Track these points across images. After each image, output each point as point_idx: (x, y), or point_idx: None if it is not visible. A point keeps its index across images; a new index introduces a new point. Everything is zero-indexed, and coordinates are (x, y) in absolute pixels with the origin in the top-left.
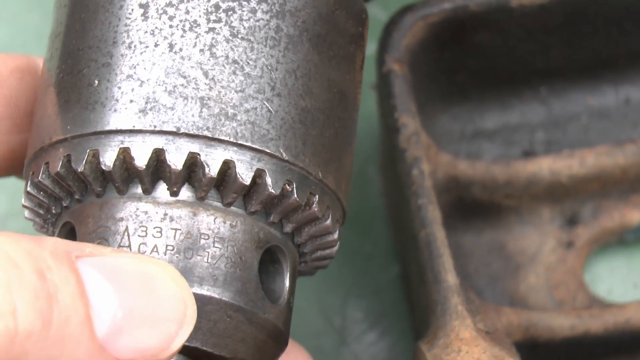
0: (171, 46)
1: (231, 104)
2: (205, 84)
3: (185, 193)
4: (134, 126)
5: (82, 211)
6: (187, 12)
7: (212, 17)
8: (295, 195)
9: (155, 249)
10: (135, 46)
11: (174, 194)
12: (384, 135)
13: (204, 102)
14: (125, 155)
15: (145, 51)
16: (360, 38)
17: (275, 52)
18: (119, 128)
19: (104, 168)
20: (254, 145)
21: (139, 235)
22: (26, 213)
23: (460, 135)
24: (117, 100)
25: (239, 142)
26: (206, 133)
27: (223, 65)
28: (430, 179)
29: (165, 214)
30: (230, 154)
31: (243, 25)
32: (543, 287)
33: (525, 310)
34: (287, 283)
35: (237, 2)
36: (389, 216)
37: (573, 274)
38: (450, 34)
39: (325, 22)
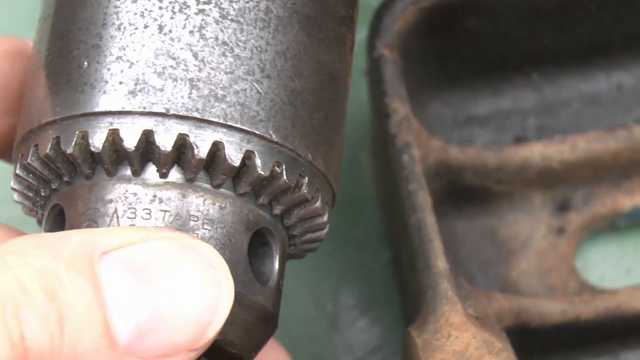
0: (161, 28)
1: (220, 86)
2: (194, 65)
3: (175, 175)
4: (123, 107)
5: (71, 193)
6: None
7: None
8: (285, 177)
9: None
10: (124, 28)
11: (163, 175)
12: (374, 121)
13: (194, 83)
14: (114, 137)
15: (134, 33)
16: (350, 20)
17: (265, 34)
18: (108, 109)
19: (93, 150)
20: (243, 127)
21: (128, 217)
22: (15, 196)
23: (452, 121)
24: (106, 81)
25: (229, 123)
26: (195, 114)
27: (212, 47)
28: (421, 165)
29: (155, 196)
30: (220, 135)
31: (233, 7)
32: (534, 273)
33: (516, 295)
34: (276, 265)
35: None
36: (380, 202)
37: (564, 260)
38: (442, 19)
39: (315, 4)
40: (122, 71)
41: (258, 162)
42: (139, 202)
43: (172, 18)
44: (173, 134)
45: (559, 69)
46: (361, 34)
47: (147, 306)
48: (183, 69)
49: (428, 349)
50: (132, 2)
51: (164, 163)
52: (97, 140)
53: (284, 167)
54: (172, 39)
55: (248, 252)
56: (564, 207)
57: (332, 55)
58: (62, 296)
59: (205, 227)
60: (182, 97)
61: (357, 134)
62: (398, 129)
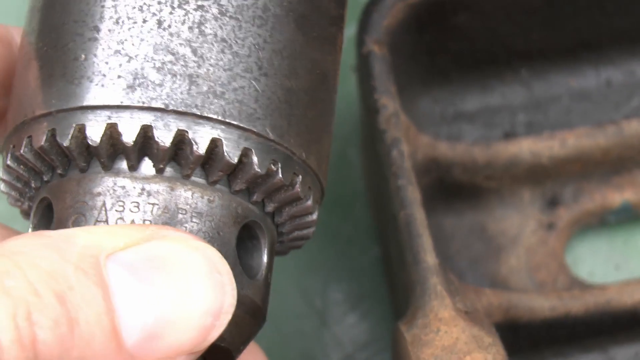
0: (160, 22)
1: (219, 82)
2: (193, 61)
3: (168, 169)
4: (121, 102)
5: (60, 187)
6: None
7: None
8: (280, 175)
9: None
10: (123, 22)
11: (160, 170)
12: (363, 117)
13: (193, 79)
14: (112, 131)
15: (133, 27)
16: (341, 20)
17: (263, 32)
18: (106, 103)
19: (90, 143)
20: (241, 124)
21: (116, 210)
22: (2, 186)
23: (441, 118)
24: (104, 75)
25: (227, 120)
26: (194, 111)
27: (212, 43)
28: (410, 160)
29: (143, 189)
30: (218, 132)
31: (231, 4)
32: (524, 269)
33: (505, 291)
34: (265, 259)
35: None
36: (370, 198)
37: (554, 256)
38: (431, 15)
39: (309, 3)
40: (120, 65)
41: (255, 159)
42: (128, 195)
43: (171, 13)
44: (172, 129)
45: (548, 65)
46: (350, 30)
47: (152, 310)
48: (182, 65)
49: (417, 344)
50: None
51: (162, 159)
52: (95, 133)
53: (279, 165)
54: (171, 34)
55: (237, 246)
56: (553, 203)
57: (324, 54)
58: (72, 300)
59: (194, 220)
60: (181, 92)
61: (346, 131)
62: (387, 125)
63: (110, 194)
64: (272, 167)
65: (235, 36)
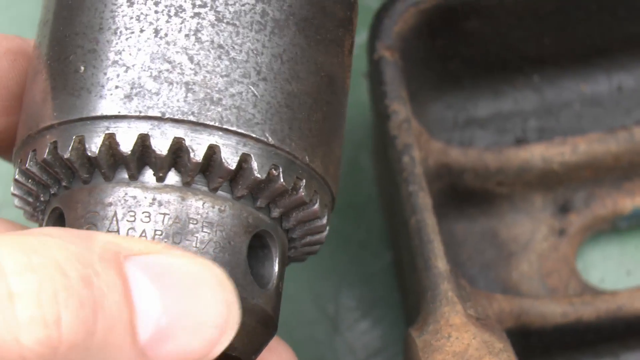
0: (157, 31)
1: (216, 89)
2: (190, 68)
3: (174, 178)
4: (119, 112)
5: (71, 197)
6: None
7: (198, 2)
8: (282, 180)
9: (143, 234)
10: (121, 32)
11: (160, 179)
12: (375, 123)
13: (189, 87)
14: (110, 141)
15: (130, 37)
16: (349, 22)
17: (261, 37)
18: (104, 114)
19: (89, 154)
20: (239, 130)
21: (127, 220)
22: (16, 201)
23: (453, 123)
24: (102, 86)
25: (225, 126)
26: (191, 118)
27: (208, 50)
28: (421, 166)
29: (154, 199)
30: (216, 138)
31: (228, 10)
32: (535, 275)
33: (517, 297)
34: (276, 268)
35: None
36: (382, 204)
37: (565, 262)
38: (442, 21)
39: (312, 6)
40: (118, 75)
41: (254, 165)
42: (139, 205)
43: (167, 22)
44: (169, 137)
45: (560, 71)
46: (362, 37)
47: (166, 312)
48: (179, 73)
49: (428, 350)
50: (128, 7)
51: (161, 167)
52: (94, 144)
53: (280, 170)
54: (167, 43)
55: (248, 255)
56: (564, 209)
57: (330, 57)
58: (97, 285)
59: (205, 230)
60: (178, 100)
61: (359, 137)
62: (398, 131)
63: (122, 204)
64: (273, 171)
65: (233, 42)
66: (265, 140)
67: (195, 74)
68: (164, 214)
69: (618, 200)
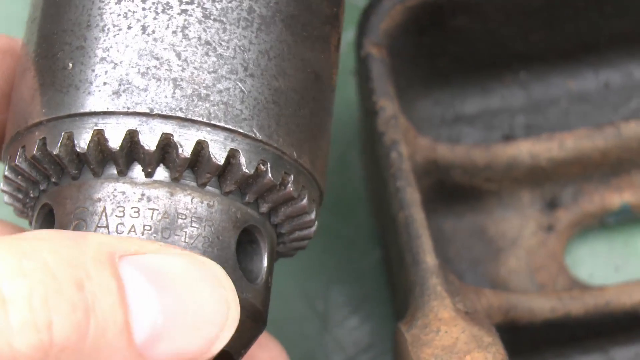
0: (144, 28)
1: (204, 85)
2: (178, 65)
3: (162, 173)
4: (107, 108)
5: (60, 193)
6: None
7: None
8: (270, 175)
9: (132, 229)
10: (108, 29)
11: (149, 175)
12: (363, 119)
13: (177, 83)
14: (99, 137)
15: (118, 34)
16: (335, 19)
17: (248, 33)
18: (92, 110)
19: (78, 150)
20: (227, 126)
21: (116, 216)
22: (5, 198)
23: (441, 120)
24: (90, 82)
25: (212, 122)
26: (179, 114)
27: (196, 47)
28: (409, 162)
29: (143, 194)
30: (204, 134)
31: (215, 7)
32: (524, 271)
33: (505, 292)
34: (265, 263)
35: None
36: (371, 200)
37: (554, 258)
38: (429, 17)
39: (298, 3)
40: (106, 72)
41: (242, 160)
42: (127, 200)
43: (155, 19)
44: (157, 133)
45: (547, 67)
46: (350, 34)
47: (163, 311)
48: (166, 69)
49: (417, 344)
50: (116, 4)
51: (149, 162)
52: (83, 140)
53: (268, 165)
54: (155, 40)
55: (236, 250)
56: (552, 205)
57: (317, 53)
58: (89, 288)
59: (194, 225)
60: (166, 96)
61: (347, 134)
62: (386, 127)
63: (111, 200)
64: (261, 167)
65: (220, 38)
66: (253, 135)
67: (183, 70)
68: (153, 210)
69: (606, 196)
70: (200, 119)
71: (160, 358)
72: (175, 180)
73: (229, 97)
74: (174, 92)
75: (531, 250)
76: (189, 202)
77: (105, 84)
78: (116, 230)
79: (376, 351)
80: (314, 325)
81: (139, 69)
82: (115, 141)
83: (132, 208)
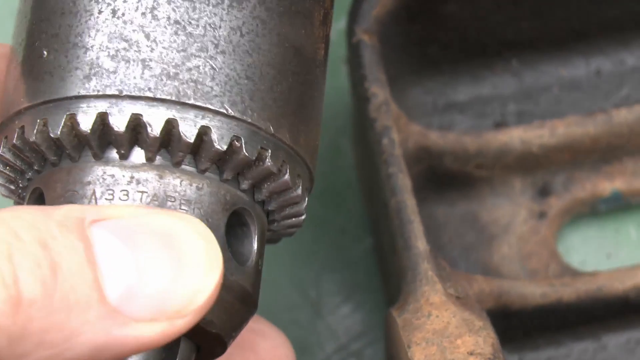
0: (114, 12)
1: (173, 64)
2: (146, 46)
3: (127, 154)
4: (79, 92)
5: (50, 177)
6: None
7: None
8: (245, 151)
9: None
10: (81, 15)
11: (122, 156)
12: (354, 106)
13: (146, 63)
14: (72, 122)
15: (90, 19)
16: None
17: (219, 10)
18: (65, 95)
19: (52, 136)
20: (196, 103)
21: (106, 199)
22: (2, 190)
23: (432, 108)
24: (63, 68)
25: (182, 100)
26: (148, 94)
27: (165, 27)
28: (400, 148)
29: (132, 177)
30: (173, 112)
31: None
32: (516, 258)
33: (497, 278)
34: (255, 246)
35: None
36: (362, 187)
37: (545, 245)
38: (420, 5)
39: None
40: (78, 57)
41: (214, 137)
42: (117, 183)
43: (124, 2)
44: (126, 114)
45: (538, 55)
46: (341, 23)
47: (136, 269)
48: (135, 50)
49: (409, 328)
50: None
51: (121, 144)
52: (57, 126)
53: (242, 141)
54: (125, 22)
55: (227, 233)
56: (544, 192)
57: (296, 28)
58: (54, 247)
59: (183, 207)
60: (135, 77)
61: (338, 122)
62: (377, 113)
63: (100, 183)
64: (236, 143)
65: (190, 17)
66: (225, 112)
67: (152, 50)
68: (142, 192)
69: (597, 183)
70: (169, 97)
71: (140, 313)
72: (149, 160)
73: (198, 74)
74: (142, 73)
75: (523, 237)
76: (178, 184)
77: (77, 69)
78: None
79: (368, 338)
80: (307, 313)
81: (108, 52)
82: (86, 124)
83: (121, 191)
